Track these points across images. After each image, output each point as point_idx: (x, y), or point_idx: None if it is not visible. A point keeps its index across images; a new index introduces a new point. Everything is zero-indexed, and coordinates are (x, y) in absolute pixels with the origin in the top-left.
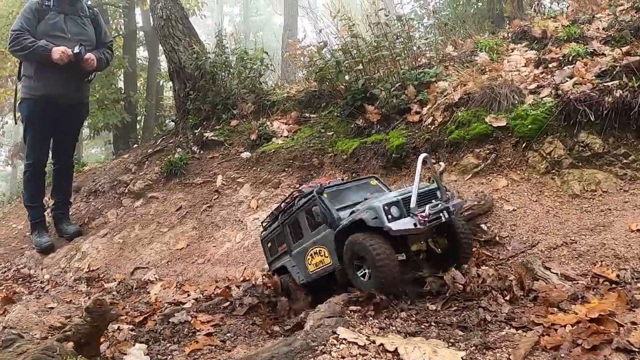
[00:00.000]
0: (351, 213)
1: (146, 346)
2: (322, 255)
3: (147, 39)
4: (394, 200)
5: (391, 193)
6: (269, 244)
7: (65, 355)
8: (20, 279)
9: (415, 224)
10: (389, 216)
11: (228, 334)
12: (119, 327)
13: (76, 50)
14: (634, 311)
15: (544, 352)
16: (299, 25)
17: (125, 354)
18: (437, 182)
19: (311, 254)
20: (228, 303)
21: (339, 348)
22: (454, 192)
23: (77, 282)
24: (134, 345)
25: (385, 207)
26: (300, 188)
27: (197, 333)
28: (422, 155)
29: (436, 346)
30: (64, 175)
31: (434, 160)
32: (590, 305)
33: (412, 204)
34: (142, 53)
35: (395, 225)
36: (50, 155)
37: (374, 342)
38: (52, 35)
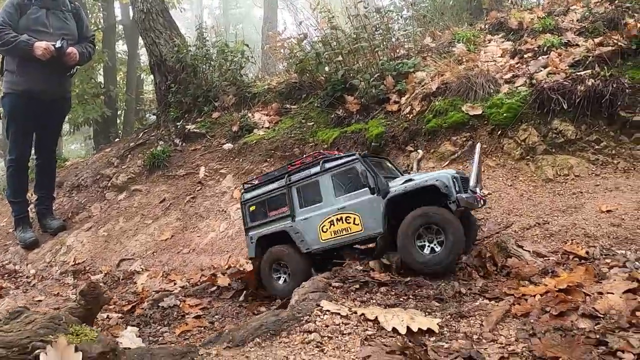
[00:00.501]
0: (406, 181)
1: (137, 329)
2: (347, 223)
3: (127, 33)
4: (455, 176)
5: (443, 171)
6: (253, 208)
7: (70, 323)
8: (6, 275)
9: (475, 200)
10: (455, 189)
11: (216, 316)
12: (108, 315)
13: (58, 44)
14: (601, 283)
15: (514, 319)
16: (279, 18)
17: (118, 337)
18: (478, 172)
19: (331, 221)
20: (215, 288)
21: (322, 318)
22: None
23: (64, 275)
24: (125, 328)
25: (453, 179)
26: (322, 152)
27: (186, 316)
28: (479, 144)
29: (414, 314)
30: (47, 170)
31: (411, 149)
32: (559, 278)
33: (472, 182)
34: (121, 47)
35: (465, 196)
36: (33, 150)
37: (355, 312)
38: (34, 30)
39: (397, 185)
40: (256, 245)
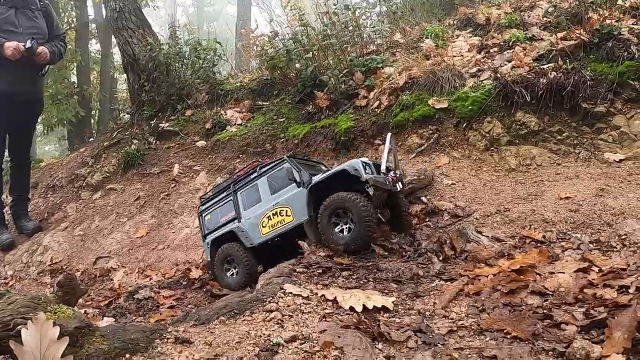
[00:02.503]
0: (324, 172)
1: (114, 319)
2: (282, 216)
3: (100, 32)
4: (367, 162)
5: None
6: (208, 217)
7: (49, 302)
8: None
9: (386, 181)
10: (365, 171)
11: (189, 306)
12: (85, 311)
13: (28, 44)
14: (554, 264)
15: (467, 297)
16: (252, 15)
17: None
18: (394, 160)
19: (268, 216)
20: (188, 280)
21: (285, 299)
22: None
23: (41, 275)
24: (102, 319)
25: (363, 163)
26: (259, 160)
27: (161, 306)
28: (389, 134)
29: (370, 294)
30: (21, 172)
31: (380, 142)
32: (513, 260)
33: (383, 167)
34: (94, 46)
35: (373, 176)
36: (7, 152)
37: (316, 294)
38: (3, 30)
39: (318, 177)
40: (211, 247)
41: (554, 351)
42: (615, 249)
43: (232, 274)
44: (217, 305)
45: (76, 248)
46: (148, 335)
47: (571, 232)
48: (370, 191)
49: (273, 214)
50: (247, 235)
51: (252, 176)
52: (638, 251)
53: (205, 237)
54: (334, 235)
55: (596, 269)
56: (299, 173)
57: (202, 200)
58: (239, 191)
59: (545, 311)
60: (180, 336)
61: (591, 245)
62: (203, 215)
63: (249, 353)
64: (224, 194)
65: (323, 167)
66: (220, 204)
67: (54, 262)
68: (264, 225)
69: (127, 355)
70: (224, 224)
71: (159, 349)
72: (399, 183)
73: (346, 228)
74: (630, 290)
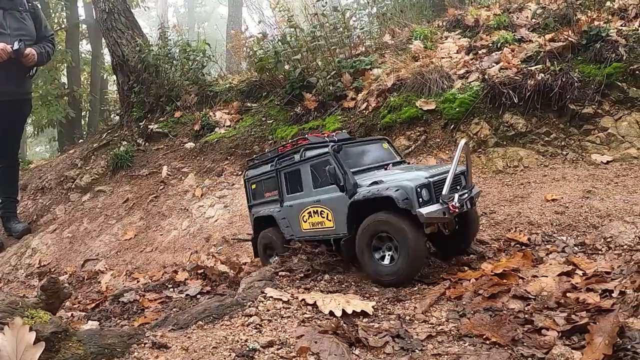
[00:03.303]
0: (372, 183)
1: (98, 323)
2: (322, 217)
3: (90, 32)
4: (425, 182)
5: (420, 171)
6: (254, 186)
7: (26, 307)
8: None
9: (444, 213)
10: (420, 199)
11: (174, 309)
12: (72, 314)
13: (15, 46)
14: (537, 267)
15: (448, 302)
16: (243, 16)
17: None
18: (467, 168)
19: (309, 212)
20: (173, 283)
21: (265, 304)
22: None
23: (29, 277)
24: (86, 323)
25: (418, 189)
26: (307, 137)
27: (146, 310)
28: (463, 141)
29: (351, 299)
30: (10, 174)
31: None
32: (497, 263)
33: (445, 191)
34: (85, 46)
35: (427, 212)
36: None
37: (297, 298)
38: None
39: (364, 189)
40: (254, 225)
41: (533, 357)
42: (600, 252)
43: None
44: (196, 309)
45: (64, 250)
46: (125, 340)
47: (556, 235)
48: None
49: (314, 212)
50: (288, 225)
51: (296, 158)
52: (623, 254)
53: (251, 208)
54: (373, 263)
55: (580, 273)
56: (344, 176)
57: (249, 165)
58: (282, 170)
59: (526, 316)
60: (158, 341)
61: (576, 248)
62: (250, 182)
63: (224, 358)
64: (269, 166)
65: (385, 147)
66: (266, 176)
67: (42, 264)
68: (304, 219)
69: None
70: (268, 202)
71: (135, 354)
72: (468, 202)
73: (389, 256)
74: (613, 295)
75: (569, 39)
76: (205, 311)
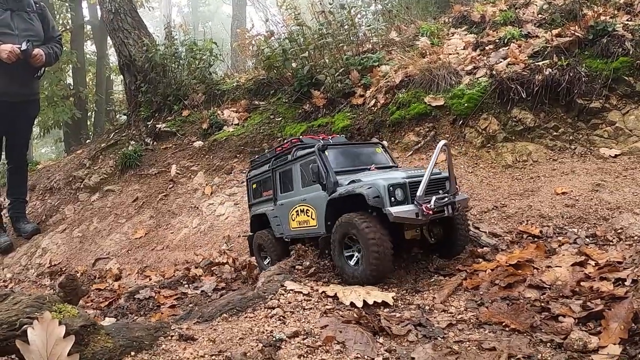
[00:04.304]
0: (351, 182)
1: (115, 320)
2: (307, 215)
3: (95, 33)
4: (400, 182)
5: (398, 172)
6: (254, 185)
7: (54, 302)
8: None
9: (417, 214)
10: (392, 198)
11: (190, 305)
12: (86, 312)
13: (24, 47)
14: (551, 258)
15: (465, 292)
16: (248, 15)
17: None
18: (449, 172)
19: (297, 210)
20: (188, 279)
21: (286, 296)
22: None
23: (40, 277)
24: (103, 320)
25: (391, 187)
26: (300, 137)
27: (162, 306)
28: (442, 142)
29: (370, 290)
30: (19, 174)
31: (376, 140)
32: (511, 254)
33: (420, 192)
34: (90, 47)
35: (396, 211)
36: (3, 155)
37: (316, 290)
38: None
39: (343, 187)
40: (251, 223)
41: (552, 342)
42: (611, 243)
43: (268, 263)
44: (219, 302)
45: (75, 250)
46: (152, 333)
47: (568, 227)
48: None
49: (301, 210)
50: (279, 223)
51: (289, 157)
52: (634, 245)
53: (251, 207)
54: (342, 262)
55: (593, 263)
56: (326, 174)
57: (252, 164)
58: (277, 170)
59: (542, 304)
60: (184, 333)
61: (587, 240)
62: (251, 182)
63: (252, 349)
64: (266, 166)
65: (378, 151)
66: (264, 176)
67: (53, 264)
68: (293, 218)
69: (133, 353)
70: (265, 200)
71: (163, 346)
72: (448, 207)
73: (356, 257)
74: (626, 283)
75: (576, 34)
76: (229, 304)
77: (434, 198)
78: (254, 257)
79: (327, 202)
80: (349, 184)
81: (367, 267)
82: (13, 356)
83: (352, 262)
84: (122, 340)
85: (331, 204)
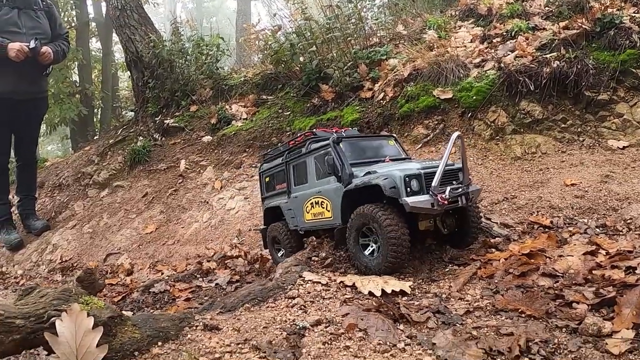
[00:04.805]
0: (366, 173)
1: (132, 313)
2: (322, 207)
3: (100, 30)
4: (415, 173)
5: (413, 163)
6: (267, 179)
7: (80, 294)
8: None
9: (432, 204)
10: (408, 189)
11: (205, 297)
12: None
13: (32, 45)
14: (562, 247)
15: (480, 280)
16: (253, 10)
17: None
18: (463, 163)
19: (312, 203)
20: (202, 273)
21: (305, 287)
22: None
23: (52, 273)
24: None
25: (407, 178)
26: (314, 130)
27: (177, 299)
28: (456, 134)
29: (388, 279)
30: (28, 171)
31: (385, 133)
32: (523, 244)
33: (435, 182)
34: (95, 44)
35: (412, 201)
36: (12, 152)
37: (335, 280)
38: (6, 31)
39: (358, 178)
40: (265, 215)
41: (567, 328)
42: (621, 233)
43: (282, 255)
44: (240, 293)
45: (85, 245)
46: (177, 323)
47: (578, 218)
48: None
49: (315, 202)
50: (293, 215)
51: (303, 150)
52: None
53: (264, 200)
54: (358, 253)
55: (603, 252)
56: (341, 166)
57: (265, 158)
58: (290, 162)
59: (556, 291)
60: (209, 323)
61: (598, 230)
62: (264, 175)
63: (277, 337)
64: (279, 159)
65: (390, 143)
66: (277, 169)
67: (64, 260)
68: (307, 210)
69: (160, 343)
70: (278, 193)
71: (189, 336)
72: (462, 197)
73: (373, 248)
74: (637, 271)
75: (583, 26)
76: (250, 294)
77: (448, 188)
78: (266, 250)
79: (343, 193)
80: (364, 175)
81: (385, 258)
82: (36, 351)
83: (367, 253)
84: (148, 330)
85: (347, 196)
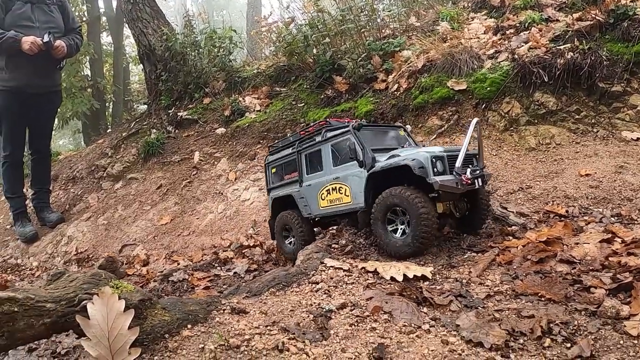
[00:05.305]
0: (390, 157)
1: None
2: (341, 193)
3: (111, 24)
4: (440, 155)
5: (434, 147)
6: (274, 170)
7: (110, 278)
8: (9, 269)
9: (457, 184)
10: (435, 169)
11: (224, 286)
12: None
13: (45, 39)
14: (578, 235)
15: (499, 267)
16: (264, 2)
17: None
18: (479, 149)
19: (328, 189)
20: (219, 262)
21: (327, 272)
22: None
23: (67, 264)
24: None
25: (433, 159)
26: (328, 120)
27: (196, 287)
28: (475, 120)
29: (409, 265)
30: (42, 164)
31: (400, 124)
32: (540, 232)
33: (458, 163)
34: (106, 38)
35: (440, 179)
36: (27, 146)
37: (356, 266)
38: (20, 25)
39: (382, 161)
40: (272, 206)
41: (586, 311)
42: (636, 222)
43: (291, 243)
44: (265, 278)
45: (101, 237)
46: (205, 307)
47: (593, 207)
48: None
49: (332, 189)
50: (306, 204)
51: (317, 139)
52: None
53: (270, 192)
54: (386, 235)
55: (619, 240)
56: (363, 151)
57: (271, 150)
58: (303, 151)
59: (574, 277)
60: (236, 307)
61: (613, 219)
62: (270, 167)
63: (304, 319)
64: (290, 149)
65: (401, 134)
66: (286, 159)
67: (79, 251)
68: (322, 197)
69: (189, 326)
70: (288, 183)
71: (217, 319)
72: (479, 179)
73: (401, 229)
74: None
75: (597, 18)
76: (275, 279)
77: (469, 170)
78: (273, 241)
79: (368, 176)
80: (388, 159)
81: (416, 236)
82: (69, 332)
83: (397, 235)
84: (178, 313)
85: (371, 179)
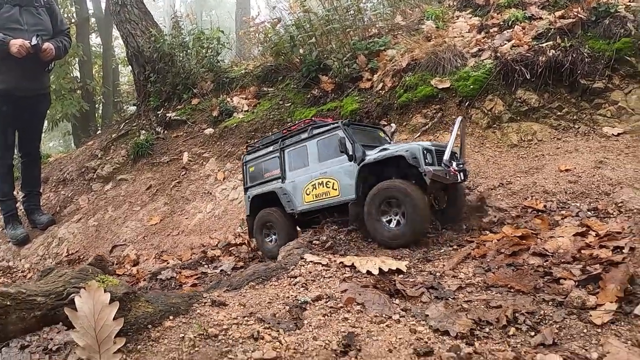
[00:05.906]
0: (381, 150)
1: None
2: (328, 187)
3: (100, 25)
4: (430, 147)
5: (424, 142)
6: (252, 168)
7: (96, 273)
8: (1, 272)
9: (446, 174)
10: (426, 160)
11: (211, 282)
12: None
13: (34, 41)
14: (554, 230)
15: (474, 260)
16: (252, 3)
17: None
18: (461, 144)
19: (314, 184)
20: (207, 260)
21: (306, 267)
22: None
23: (59, 266)
24: None
25: (424, 151)
26: (313, 118)
27: (184, 285)
28: (460, 118)
29: (385, 260)
30: (32, 167)
31: (384, 123)
32: (516, 227)
33: (447, 156)
34: (95, 40)
35: (434, 169)
36: (17, 148)
37: (335, 261)
38: (8, 28)
39: (373, 154)
40: (250, 204)
41: (553, 301)
42: (611, 216)
43: (271, 241)
44: (245, 273)
45: (91, 238)
46: (187, 300)
47: (570, 202)
48: (427, 180)
49: (319, 184)
50: (290, 199)
51: (303, 136)
52: (633, 217)
53: (247, 190)
54: (380, 226)
55: (593, 233)
56: (353, 145)
57: (249, 149)
58: (286, 149)
59: (545, 269)
60: (216, 300)
61: (589, 213)
62: (247, 166)
63: (280, 310)
64: (271, 148)
65: (381, 135)
66: (267, 158)
67: (70, 253)
68: (307, 192)
69: (171, 317)
70: (268, 181)
71: (198, 311)
72: (461, 173)
73: (395, 220)
74: (624, 250)
75: (579, 15)
76: (255, 274)
77: (454, 163)
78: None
79: (360, 168)
80: (379, 152)
81: (412, 224)
82: (61, 330)
83: (392, 225)
84: (161, 306)
85: (361, 171)
